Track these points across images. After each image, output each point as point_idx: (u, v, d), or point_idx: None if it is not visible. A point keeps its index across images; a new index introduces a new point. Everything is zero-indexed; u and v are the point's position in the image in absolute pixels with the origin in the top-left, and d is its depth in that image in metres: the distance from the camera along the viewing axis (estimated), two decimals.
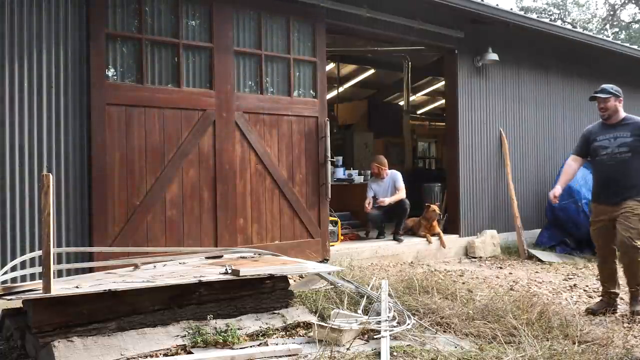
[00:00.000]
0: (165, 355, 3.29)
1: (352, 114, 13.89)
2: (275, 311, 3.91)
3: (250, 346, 3.44)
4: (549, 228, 8.13)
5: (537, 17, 12.79)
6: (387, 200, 7.25)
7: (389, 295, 4.25)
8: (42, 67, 4.58)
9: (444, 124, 9.22)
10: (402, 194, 7.36)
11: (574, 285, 5.65)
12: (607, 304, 4.50)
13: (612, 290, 4.58)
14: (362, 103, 14.33)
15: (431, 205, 7.58)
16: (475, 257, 7.44)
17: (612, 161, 4.43)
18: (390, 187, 7.44)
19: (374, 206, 7.37)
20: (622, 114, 4.60)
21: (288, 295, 4.08)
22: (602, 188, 4.54)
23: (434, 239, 7.36)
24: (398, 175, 7.52)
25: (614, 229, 4.38)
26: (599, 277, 4.78)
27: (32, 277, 4.17)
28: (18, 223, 4.43)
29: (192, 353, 3.31)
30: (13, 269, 3.90)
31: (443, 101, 12.32)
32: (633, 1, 28.12)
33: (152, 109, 5.10)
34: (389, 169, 7.61)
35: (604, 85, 4.60)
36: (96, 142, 4.78)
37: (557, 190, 4.85)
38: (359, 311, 3.96)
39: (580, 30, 12.58)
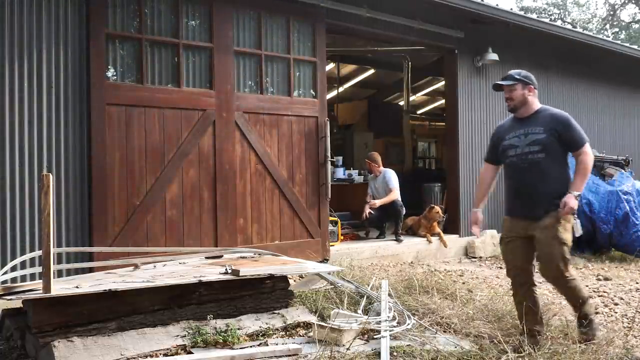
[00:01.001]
0: (165, 355, 3.29)
1: (352, 114, 13.89)
2: (275, 311, 3.90)
3: (250, 346, 3.44)
4: None
5: (537, 17, 12.80)
6: (378, 202, 7.25)
7: (389, 295, 4.25)
8: (42, 67, 4.58)
9: (444, 124, 9.22)
10: (393, 194, 7.31)
11: None
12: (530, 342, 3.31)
13: (535, 328, 3.48)
14: (362, 103, 14.32)
15: (435, 207, 7.55)
16: (475, 257, 7.44)
17: (524, 163, 3.52)
18: (384, 185, 7.44)
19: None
20: (536, 105, 3.62)
21: (288, 295, 4.08)
22: (515, 198, 3.65)
23: (434, 239, 7.36)
24: (391, 175, 7.47)
25: (530, 247, 3.56)
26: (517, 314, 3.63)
27: (32, 277, 4.17)
28: (18, 223, 4.43)
29: (192, 353, 3.31)
30: (13, 269, 3.90)
31: (443, 101, 12.31)
32: (633, 1, 28.12)
33: (152, 109, 5.10)
34: (389, 168, 7.63)
35: (511, 71, 3.72)
36: (96, 142, 4.78)
37: (477, 216, 3.87)
38: (359, 311, 3.96)
39: (580, 30, 12.58)
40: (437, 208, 7.56)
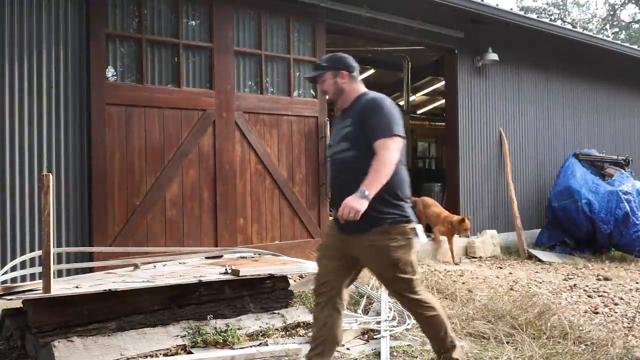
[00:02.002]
0: (165, 355, 3.29)
1: None
2: (275, 311, 3.90)
3: (250, 346, 3.44)
4: (549, 228, 8.14)
5: (537, 17, 12.79)
6: None
7: (389, 295, 4.25)
8: (42, 67, 4.58)
9: (444, 124, 9.21)
10: None
11: (574, 285, 5.65)
12: None
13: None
14: None
15: (467, 222, 6.82)
16: (475, 257, 7.44)
17: (335, 165, 2.91)
18: None
19: None
20: (357, 92, 2.92)
21: (288, 295, 4.08)
22: (334, 206, 2.88)
23: (444, 245, 7.07)
24: None
25: (350, 267, 2.87)
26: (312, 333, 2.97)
27: (32, 277, 4.17)
28: (18, 223, 4.43)
29: (192, 353, 3.31)
30: (13, 269, 3.90)
31: (443, 101, 12.30)
32: (633, 1, 28.11)
33: (152, 109, 5.10)
34: None
35: (323, 57, 3.12)
36: (96, 142, 4.78)
37: None
38: (359, 311, 3.96)
39: (580, 30, 12.58)
40: (469, 224, 6.86)
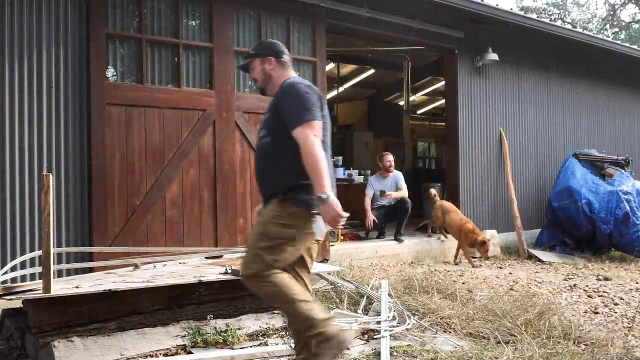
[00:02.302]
0: (165, 355, 3.30)
1: (352, 114, 13.89)
2: (275, 311, 3.90)
3: (250, 346, 3.44)
4: (549, 228, 8.14)
5: (537, 17, 12.79)
6: (394, 194, 7.31)
7: (389, 295, 4.25)
8: (42, 67, 4.58)
9: (444, 124, 9.22)
10: (405, 191, 7.42)
11: (574, 285, 5.64)
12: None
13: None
14: (362, 103, 14.32)
15: (488, 244, 6.77)
16: (475, 257, 7.43)
17: (257, 152, 2.86)
18: (393, 186, 7.46)
19: (374, 206, 7.37)
20: (287, 76, 2.83)
21: None
22: (260, 191, 2.91)
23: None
24: (401, 175, 7.61)
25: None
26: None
27: (32, 277, 4.17)
28: (18, 223, 4.43)
29: (192, 353, 3.31)
30: (13, 269, 3.90)
31: (443, 101, 12.31)
32: (633, 1, 28.11)
33: (152, 109, 5.10)
34: None
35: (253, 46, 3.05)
36: (96, 142, 4.78)
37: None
38: (359, 311, 3.96)
39: (580, 30, 12.58)
40: (490, 245, 6.81)
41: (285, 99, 2.66)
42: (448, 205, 7.36)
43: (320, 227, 2.61)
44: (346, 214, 2.53)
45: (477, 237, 6.74)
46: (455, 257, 7.01)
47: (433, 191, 7.70)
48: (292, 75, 2.85)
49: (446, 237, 7.42)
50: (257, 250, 2.60)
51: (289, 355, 3.28)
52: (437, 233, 7.66)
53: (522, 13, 10.06)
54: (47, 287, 3.08)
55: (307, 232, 2.62)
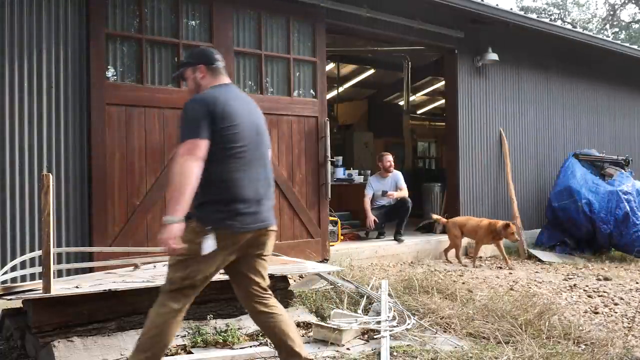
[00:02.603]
0: (165, 355, 3.29)
1: (352, 114, 13.88)
2: None
3: (250, 346, 3.44)
4: (549, 228, 8.14)
5: (537, 17, 12.78)
6: (396, 194, 7.32)
7: (389, 295, 4.25)
8: (42, 67, 4.58)
9: (444, 124, 9.22)
10: (406, 191, 7.43)
11: (574, 285, 5.65)
12: None
13: None
14: (362, 103, 14.31)
15: (512, 226, 6.63)
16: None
17: None
18: (393, 186, 7.47)
19: (373, 206, 7.38)
20: (217, 84, 2.75)
21: (288, 295, 4.07)
22: None
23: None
24: (400, 175, 7.63)
25: (231, 268, 2.80)
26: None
27: (32, 277, 4.17)
28: (18, 223, 4.43)
29: (192, 353, 3.31)
30: (13, 269, 3.90)
31: (443, 101, 12.31)
32: (633, 1, 28.12)
33: (152, 108, 5.10)
34: None
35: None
36: (96, 142, 4.78)
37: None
38: (359, 311, 3.96)
39: (580, 30, 12.58)
40: (514, 228, 6.66)
41: (181, 117, 2.58)
42: (460, 219, 7.17)
43: (208, 245, 2.50)
44: (181, 248, 2.43)
45: (497, 225, 6.60)
46: (506, 260, 6.74)
47: (436, 216, 7.45)
48: (223, 81, 2.78)
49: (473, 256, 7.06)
50: (168, 268, 2.60)
51: None
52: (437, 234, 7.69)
53: (522, 13, 10.06)
54: (47, 287, 3.08)
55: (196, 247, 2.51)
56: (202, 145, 2.47)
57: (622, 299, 5.01)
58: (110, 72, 4.95)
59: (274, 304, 2.81)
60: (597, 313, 4.52)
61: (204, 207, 2.54)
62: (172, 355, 3.29)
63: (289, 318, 2.82)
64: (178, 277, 2.56)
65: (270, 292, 2.84)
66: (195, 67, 2.77)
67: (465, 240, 7.53)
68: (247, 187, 2.60)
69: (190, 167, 2.42)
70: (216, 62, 2.79)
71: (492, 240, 6.78)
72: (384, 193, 7.38)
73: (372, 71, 12.60)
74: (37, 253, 3.91)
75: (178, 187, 2.41)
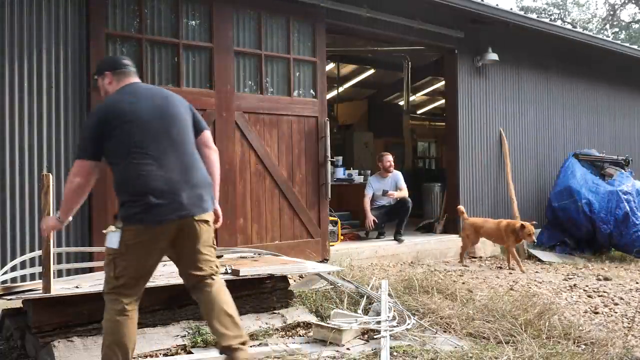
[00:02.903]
0: (165, 355, 3.29)
1: (352, 114, 13.89)
2: (275, 311, 3.90)
3: (250, 346, 3.43)
4: (549, 228, 8.14)
5: (537, 17, 12.78)
6: (396, 194, 7.32)
7: (389, 295, 4.25)
8: (42, 67, 4.58)
9: (444, 124, 9.22)
10: (406, 191, 7.42)
11: (574, 285, 5.65)
12: None
13: None
14: (362, 103, 14.32)
15: (528, 227, 6.34)
16: (475, 257, 7.43)
17: None
18: (393, 186, 7.47)
19: (373, 206, 7.38)
20: (127, 84, 2.85)
21: (288, 295, 4.08)
22: None
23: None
24: (401, 175, 7.63)
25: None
26: None
27: (32, 277, 4.17)
28: (18, 223, 4.43)
29: (192, 353, 3.31)
30: (13, 269, 3.90)
31: (443, 101, 12.31)
32: (633, 1, 28.12)
33: None
34: None
35: None
36: None
37: None
38: (359, 311, 3.96)
39: (580, 30, 12.58)
40: (532, 228, 6.33)
41: None
42: (477, 220, 6.99)
43: (111, 239, 2.63)
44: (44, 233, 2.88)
45: (515, 225, 6.40)
46: (519, 265, 6.45)
47: (461, 208, 7.16)
48: (133, 81, 2.87)
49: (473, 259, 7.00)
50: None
51: (289, 355, 3.29)
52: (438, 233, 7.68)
53: (522, 13, 10.06)
54: (47, 287, 3.09)
55: (129, 243, 2.60)
56: (85, 166, 2.65)
57: (622, 299, 5.01)
58: None
59: (210, 284, 2.86)
60: (597, 313, 4.52)
61: (123, 206, 2.65)
62: (172, 355, 3.29)
63: (224, 295, 2.91)
64: (111, 276, 2.65)
65: (212, 277, 2.88)
66: (103, 75, 2.86)
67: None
68: (156, 179, 2.61)
69: (69, 185, 2.66)
70: (123, 67, 2.87)
71: (516, 241, 6.54)
72: (384, 193, 7.38)
73: (372, 71, 12.60)
74: (37, 253, 3.90)
75: (66, 199, 2.69)
